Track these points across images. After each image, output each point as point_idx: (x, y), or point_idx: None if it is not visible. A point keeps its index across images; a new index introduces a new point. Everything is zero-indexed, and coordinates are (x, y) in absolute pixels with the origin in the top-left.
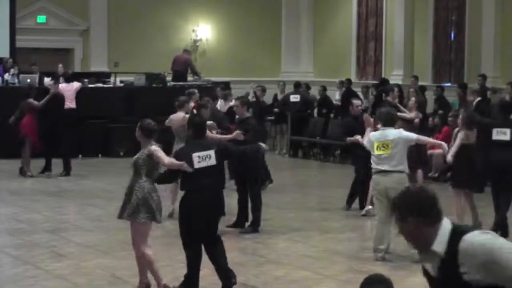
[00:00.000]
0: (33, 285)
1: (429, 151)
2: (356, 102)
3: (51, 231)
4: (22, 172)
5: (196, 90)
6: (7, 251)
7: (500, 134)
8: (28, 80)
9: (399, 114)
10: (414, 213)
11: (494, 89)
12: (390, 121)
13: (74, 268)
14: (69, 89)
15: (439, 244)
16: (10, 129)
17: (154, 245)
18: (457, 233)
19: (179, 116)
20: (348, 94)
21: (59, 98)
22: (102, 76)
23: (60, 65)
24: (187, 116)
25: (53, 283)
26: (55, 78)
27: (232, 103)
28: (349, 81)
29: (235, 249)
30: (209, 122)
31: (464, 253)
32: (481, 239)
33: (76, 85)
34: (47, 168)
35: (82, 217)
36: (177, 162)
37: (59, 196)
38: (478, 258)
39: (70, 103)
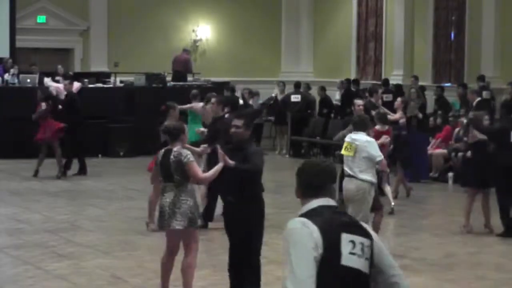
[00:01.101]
0: (33, 285)
1: (429, 151)
2: (357, 101)
3: (51, 231)
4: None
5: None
6: (7, 251)
7: None
8: (28, 80)
9: (385, 111)
10: (296, 181)
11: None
12: (360, 126)
13: (74, 268)
14: None
15: None
16: (10, 129)
17: (156, 246)
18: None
19: (199, 105)
20: (348, 94)
21: (73, 97)
22: (102, 76)
23: (59, 66)
24: (207, 107)
25: (53, 283)
26: (68, 78)
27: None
28: (348, 81)
29: None
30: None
31: None
32: (292, 222)
33: (76, 85)
34: (80, 169)
35: (82, 217)
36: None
37: (59, 196)
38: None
39: None
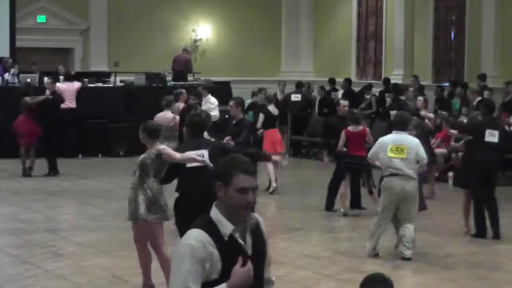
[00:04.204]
0: (33, 284)
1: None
2: (343, 102)
3: (51, 231)
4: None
5: (184, 90)
6: (7, 251)
7: (490, 136)
8: (28, 80)
9: (425, 114)
10: None
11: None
12: (403, 125)
13: (74, 268)
14: (69, 89)
15: None
16: (10, 129)
17: None
18: None
19: (167, 116)
20: (349, 94)
21: (57, 97)
22: (102, 76)
23: (61, 66)
24: (177, 117)
25: (53, 283)
26: (53, 78)
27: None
28: (348, 80)
29: None
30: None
31: None
32: None
33: (76, 84)
34: (51, 169)
35: (82, 217)
36: (189, 155)
37: (59, 196)
38: None
39: (70, 103)
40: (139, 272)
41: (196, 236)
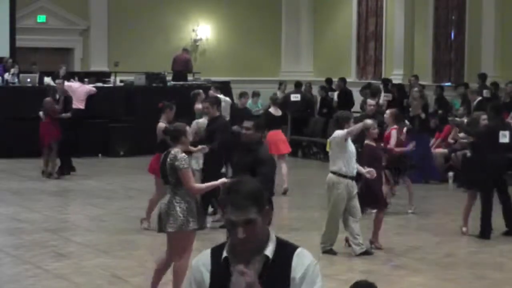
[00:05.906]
0: (33, 284)
1: (433, 151)
2: (370, 101)
3: (52, 231)
4: (46, 174)
5: (201, 91)
6: (7, 251)
7: (503, 137)
8: (28, 80)
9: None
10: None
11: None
12: (335, 124)
13: (74, 268)
14: (81, 89)
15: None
16: (10, 128)
17: (156, 246)
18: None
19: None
20: (344, 94)
21: (67, 97)
22: (102, 76)
23: (64, 67)
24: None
25: (53, 283)
26: (64, 78)
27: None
28: (343, 80)
29: None
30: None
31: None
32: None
33: (89, 87)
34: (71, 168)
35: (82, 217)
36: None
37: (59, 196)
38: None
39: (79, 103)
40: (139, 272)
41: (197, 257)
